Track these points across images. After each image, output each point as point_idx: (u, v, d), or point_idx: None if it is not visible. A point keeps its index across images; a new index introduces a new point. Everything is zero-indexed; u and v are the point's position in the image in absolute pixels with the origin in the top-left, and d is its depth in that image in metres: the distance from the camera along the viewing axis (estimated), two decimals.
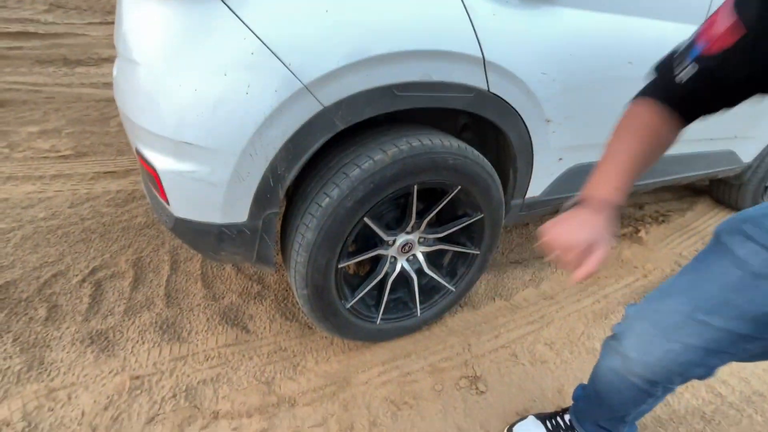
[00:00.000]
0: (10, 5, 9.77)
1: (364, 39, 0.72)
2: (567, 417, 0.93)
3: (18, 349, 1.07)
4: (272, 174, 0.78)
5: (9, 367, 1.02)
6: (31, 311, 1.19)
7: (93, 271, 1.38)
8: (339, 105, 0.75)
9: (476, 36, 0.82)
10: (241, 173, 0.75)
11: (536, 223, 1.95)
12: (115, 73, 0.92)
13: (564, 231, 0.55)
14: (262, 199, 0.80)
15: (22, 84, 3.53)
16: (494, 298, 1.42)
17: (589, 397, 0.86)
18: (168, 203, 0.82)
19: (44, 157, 2.18)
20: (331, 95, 0.74)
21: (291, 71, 0.69)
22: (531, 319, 1.35)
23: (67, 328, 1.15)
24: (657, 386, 0.70)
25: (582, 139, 1.14)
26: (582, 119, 1.09)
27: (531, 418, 0.98)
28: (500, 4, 0.85)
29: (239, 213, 0.81)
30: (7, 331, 1.12)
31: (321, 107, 0.74)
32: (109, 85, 3.81)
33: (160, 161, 0.77)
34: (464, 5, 0.80)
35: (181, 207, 0.81)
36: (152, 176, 0.80)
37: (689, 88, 0.52)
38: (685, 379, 0.68)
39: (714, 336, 0.61)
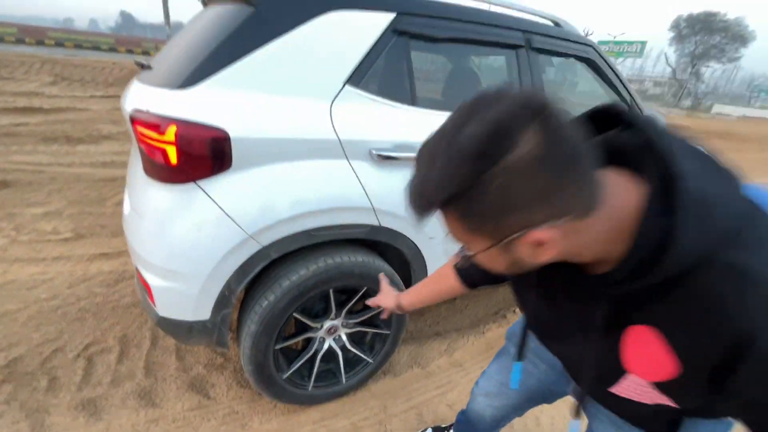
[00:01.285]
0: (18, 76, 10.51)
1: (289, 205, 1.16)
2: (452, 429, 1.31)
3: (24, 414, 1.37)
4: (227, 288, 1.17)
5: (18, 430, 1.31)
6: (34, 382, 1.50)
7: (86, 347, 1.69)
8: (272, 245, 1.17)
9: (366, 194, 1.27)
10: (206, 289, 1.15)
11: (463, 300, 2.35)
12: (125, 213, 1.34)
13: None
14: (219, 303, 1.19)
15: (27, 164, 3.94)
16: (413, 366, 1.78)
17: (465, 422, 1.19)
18: (155, 305, 1.20)
19: (47, 240, 2.53)
20: (267, 239, 1.16)
21: (241, 228, 1.12)
22: (440, 384, 1.70)
23: (64, 396, 1.45)
24: (499, 422, 1.07)
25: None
26: None
27: (429, 430, 1.40)
28: (381, 169, 1.31)
29: (204, 313, 1.19)
30: (15, 400, 1.42)
31: (260, 246, 1.16)
32: (107, 164, 4.28)
33: (152, 279, 1.16)
34: (357, 176, 1.26)
35: (164, 309, 1.19)
36: (145, 288, 1.19)
37: (462, 270, 0.86)
38: (511, 419, 1.07)
39: (513, 399, 0.97)
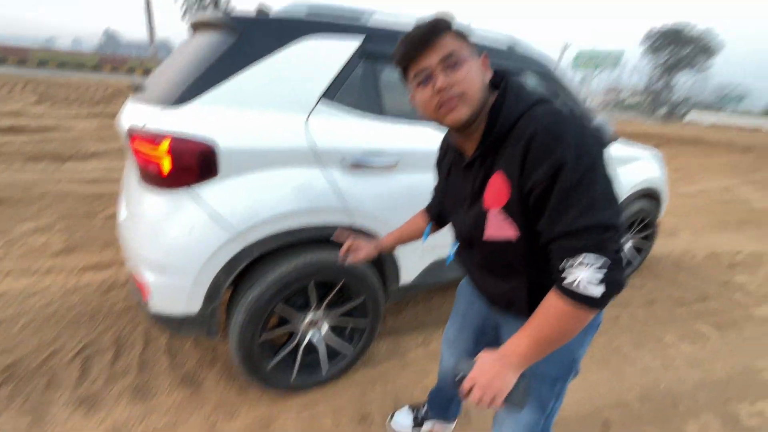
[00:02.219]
0: (1, 96, 10.47)
1: (272, 206, 1.32)
2: (425, 407, 1.52)
3: (25, 410, 1.47)
4: (216, 282, 1.32)
5: (19, 424, 1.41)
6: (34, 382, 1.59)
7: (82, 349, 1.79)
8: (256, 243, 1.32)
9: (340, 197, 1.44)
10: (197, 282, 1.29)
11: (440, 294, 2.51)
12: (122, 218, 1.47)
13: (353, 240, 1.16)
14: (209, 296, 1.33)
15: (17, 182, 4.00)
16: (391, 357, 1.92)
17: (435, 392, 1.42)
18: (150, 301, 1.33)
19: (39, 254, 2.62)
20: (252, 237, 1.31)
21: (228, 227, 1.27)
22: (416, 371, 1.84)
23: (63, 393, 1.55)
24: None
25: (432, 242, 1.75)
26: None
27: (406, 407, 1.57)
28: (353, 174, 1.47)
29: (195, 305, 1.33)
30: (16, 397, 1.51)
31: (246, 244, 1.31)
32: (95, 180, 4.36)
33: (148, 275, 1.30)
34: (332, 181, 1.42)
35: (158, 303, 1.32)
36: (139, 288, 1.32)
37: (433, 201, 1.16)
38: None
39: (465, 343, 1.19)
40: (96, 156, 5.44)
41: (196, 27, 1.71)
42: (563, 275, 0.66)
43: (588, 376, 1.89)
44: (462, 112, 0.72)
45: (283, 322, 1.57)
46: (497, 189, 0.75)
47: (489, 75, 0.78)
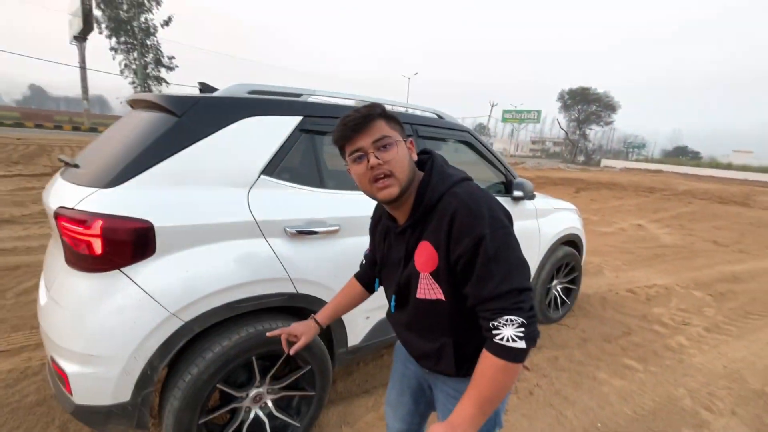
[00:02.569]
0: None
1: (210, 282, 1.31)
2: None
3: None
4: (149, 366, 1.24)
5: None
6: None
7: None
8: (195, 319, 1.29)
9: (282, 266, 1.46)
10: (127, 369, 1.21)
11: (389, 352, 2.52)
12: (42, 303, 1.37)
13: (292, 328, 1.14)
14: (141, 383, 1.24)
15: None
16: (341, 426, 1.86)
17: None
18: (71, 394, 1.21)
19: None
20: (189, 315, 1.28)
21: (163, 307, 1.23)
22: None
23: None
24: None
25: (376, 303, 1.80)
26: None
27: None
28: (295, 243, 1.52)
29: (124, 394, 1.23)
30: None
31: (183, 322, 1.27)
32: (7, 251, 3.94)
33: (69, 366, 1.19)
34: (273, 251, 1.45)
35: (81, 396, 1.21)
36: (61, 376, 1.21)
37: (362, 269, 1.21)
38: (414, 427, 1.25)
39: (407, 406, 1.19)
40: (10, 223, 4.93)
41: (135, 104, 1.75)
42: (493, 332, 0.76)
43: (534, 424, 1.96)
44: (393, 190, 0.84)
45: (224, 399, 1.49)
46: (426, 256, 0.87)
47: (415, 156, 0.90)
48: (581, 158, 52.58)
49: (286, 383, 1.58)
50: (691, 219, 9.14)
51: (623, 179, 19.77)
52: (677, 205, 11.40)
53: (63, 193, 1.31)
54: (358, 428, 1.86)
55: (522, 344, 0.74)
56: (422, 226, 0.88)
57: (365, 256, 1.22)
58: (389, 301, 1.06)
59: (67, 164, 1.55)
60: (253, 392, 1.51)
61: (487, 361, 0.77)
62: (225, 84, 1.71)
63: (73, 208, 1.20)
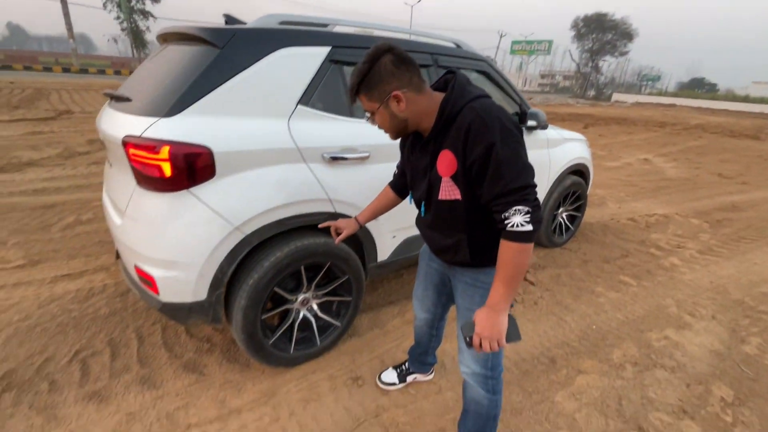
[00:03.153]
0: None
1: (263, 201, 1.49)
2: (405, 363, 1.79)
3: (34, 412, 1.54)
4: (220, 271, 1.48)
5: (33, 424, 1.48)
6: (35, 387, 1.65)
7: (76, 353, 1.85)
8: (253, 233, 1.50)
9: (322, 188, 1.64)
10: (203, 273, 1.44)
11: (408, 272, 2.80)
12: (119, 223, 1.57)
13: (338, 222, 1.41)
14: (214, 285, 1.49)
15: None
16: (373, 328, 2.17)
17: (412, 349, 1.70)
18: (158, 294, 1.46)
19: (0, 270, 2.54)
20: (249, 229, 1.48)
21: (228, 221, 1.43)
22: (396, 338, 2.11)
23: (68, 393, 1.63)
24: (432, 327, 1.58)
25: (402, 224, 2.01)
26: (398, 214, 1.95)
27: (390, 368, 1.82)
28: (332, 168, 1.68)
29: (201, 294, 1.48)
30: (21, 403, 1.57)
31: (244, 235, 1.48)
32: (38, 191, 4.14)
33: (156, 271, 1.43)
34: (314, 175, 1.62)
35: (166, 295, 1.46)
36: (148, 280, 1.45)
37: (396, 177, 1.40)
38: (437, 321, 1.55)
39: (431, 299, 1.47)
40: (32, 165, 5.08)
41: (167, 38, 1.81)
42: (505, 222, 0.93)
43: (537, 326, 2.27)
44: (391, 137, 1.12)
45: (278, 303, 1.76)
46: (447, 162, 1.02)
47: (402, 106, 1.00)
48: (591, 93, 50.47)
49: (328, 290, 1.84)
50: (699, 153, 9.13)
51: (634, 114, 19.25)
52: (686, 139, 11.29)
53: (125, 123, 1.44)
54: (386, 330, 2.17)
55: (529, 227, 0.91)
56: (443, 136, 1.01)
57: (397, 167, 1.39)
58: (418, 207, 1.23)
59: (117, 98, 1.67)
60: (301, 297, 1.77)
61: (504, 247, 0.95)
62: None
63: (140, 136, 1.34)
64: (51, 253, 2.81)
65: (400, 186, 1.39)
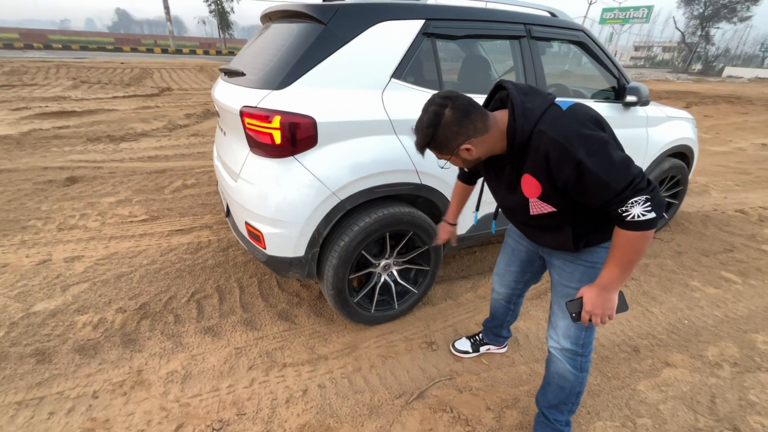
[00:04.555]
0: (39, 82, 10.99)
1: (357, 169, 1.60)
2: (480, 334, 1.84)
3: (165, 337, 1.87)
4: (317, 232, 1.63)
5: (165, 346, 1.81)
6: (164, 318, 1.99)
7: (192, 295, 2.18)
8: (347, 198, 1.62)
9: (411, 159, 1.71)
10: (303, 232, 1.61)
11: (481, 249, 2.80)
12: (233, 185, 1.79)
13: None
14: (311, 243, 1.65)
15: (86, 162, 4.43)
16: (446, 299, 2.24)
17: (488, 321, 1.75)
18: (265, 248, 1.66)
19: (129, 221, 3.03)
20: (344, 194, 1.61)
21: (326, 186, 1.56)
22: (468, 310, 2.16)
23: (189, 326, 1.95)
24: (510, 302, 1.61)
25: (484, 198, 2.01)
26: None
27: (464, 338, 1.89)
28: None
29: (300, 250, 1.66)
30: (155, 329, 1.92)
31: (339, 200, 1.61)
32: (152, 158, 4.76)
33: (264, 227, 1.62)
34: (403, 147, 1.69)
35: (272, 249, 1.65)
36: (257, 235, 1.65)
37: (462, 172, 1.44)
38: (516, 296, 1.59)
39: (514, 275, 1.50)
40: (144, 136, 5.84)
41: (271, 16, 1.96)
42: (624, 216, 0.88)
43: (619, 315, 2.16)
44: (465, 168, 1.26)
45: (362, 267, 1.90)
46: (531, 187, 1.00)
47: (473, 152, 0.97)
48: (697, 67, 43.81)
49: (408, 258, 1.93)
50: None
51: (751, 92, 16.44)
52: None
53: (241, 95, 1.62)
54: (460, 302, 2.23)
55: (652, 215, 0.86)
56: (520, 161, 0.99)
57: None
58: (510, 216, 1.25)
59: (232, 73, 1.87)
60: (383, 262, 1.89)
61: (623, 234, 0.91)
62: None
63: (256, 107, 1.51)
64: (166, 211, 3.27)
65: (468, 177, 1.44)
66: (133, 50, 25.76)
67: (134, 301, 2.11)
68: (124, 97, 9.42)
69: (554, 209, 1.02)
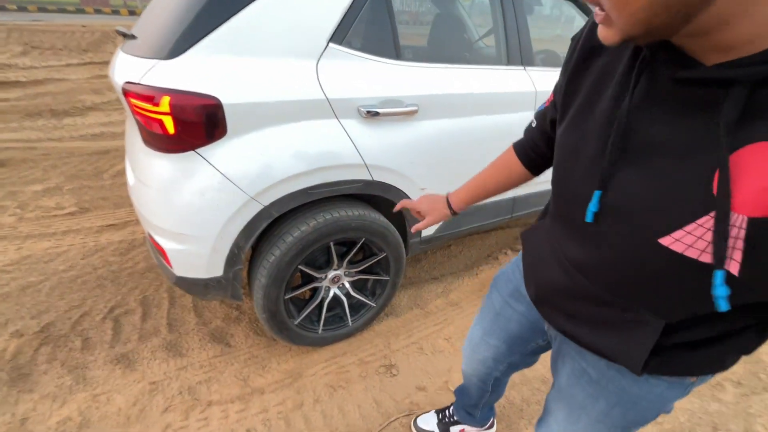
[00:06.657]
0: None
1: (284, 166, 1.23)
2: (451, 408, 1.34)
3: (66, 371, 1.53)
4: (236, 246, 1.27)
5: (63, 383, 1.47)
6: (70, 343, 1.65)
7: (111, 310, 1.83)
8: (273, 204, 1.26)
9: (357, 151, 1.34)
10: (216, 248, 1.25)
11: (457, 243, 2.49)
12: (131, 183, 1.40)
13: (419, 203, 0.96)
14: (230, 261, 1.30)
15: (17, 141, 3.91)
16: (413, 307, 1.94)
17: (459, 392, 1.24)
18: (171, 267, 1.30)
19: (53, 216, 2.61)
20: (267, 199, 1.24)
21: (242, 190, 1.19)
22: (437, 321, 1.86)
23: (99, 353, 1.61)
24: (486, 384, 1.06)
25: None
26: (446, 182, 1.61)
27: (431, 412, 1.38)
28: (370, 125, 1.36)
29: (217, 270, 1.30)
30: (55, 359, 1.57)
31: (262, 206, 1.24)
32: (97, 136, 4.25)
33: (166, 243, 1.26)
34: (347, 134, 1.31)
35: (180, 269, 1.30)
36: (161, 252, 1.29)
37: (528, 135, 0.77)
38: (494, 378, 1.02)
39: (494, 350, 0.94)
40: (93, 109, 5.26)
41: None
42: None
43: None
44: (605, 34, 0.39)
45: (306, 279, 1.56)
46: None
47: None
48: None
49: (362, 268, 1.60)
50: None
51: None
52: None
53: (127, 67, 1.21)
54: (428, 311, 1.93)
55: None
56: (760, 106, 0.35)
57: (536, 117, 0.75)
58: (580, 206, 0.52)
59: (124, 35, 1.43)
60: (331, 274, 1.56)
61: None
62: None
63: (138, 83, 1.10)
64: (100, 201, 2.85)
65: (537, 153, 0.77)
66: (97, 12, 23.78)
67: (36, 320, 1.75)
68: (78, 64, 8.53)
69: (729, 269, 0.39)
